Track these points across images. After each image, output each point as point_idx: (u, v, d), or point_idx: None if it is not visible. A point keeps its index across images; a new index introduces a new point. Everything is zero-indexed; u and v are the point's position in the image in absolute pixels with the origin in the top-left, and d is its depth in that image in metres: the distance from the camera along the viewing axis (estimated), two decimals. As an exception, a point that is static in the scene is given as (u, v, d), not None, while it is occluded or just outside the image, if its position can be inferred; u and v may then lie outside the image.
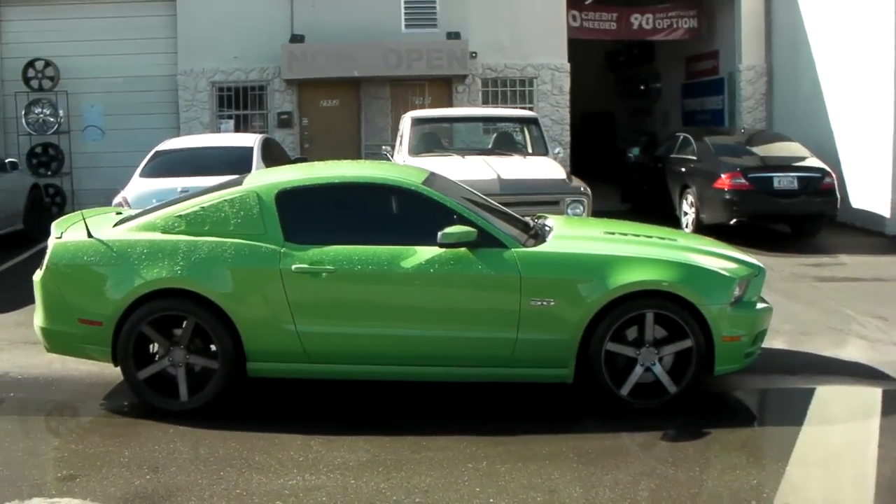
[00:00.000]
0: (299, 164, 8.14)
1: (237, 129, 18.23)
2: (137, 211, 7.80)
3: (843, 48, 16.73)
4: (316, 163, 8.14)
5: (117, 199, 11.48)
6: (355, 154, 18.37)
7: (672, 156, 16.55)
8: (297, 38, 18.00)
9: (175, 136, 16.34)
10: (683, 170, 15.80)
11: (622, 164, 19.32)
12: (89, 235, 6.88)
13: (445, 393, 7.15)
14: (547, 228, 7.47)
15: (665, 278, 6.70)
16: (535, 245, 6.93)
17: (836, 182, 14.69)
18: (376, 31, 18.27)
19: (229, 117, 18.53)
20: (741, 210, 14.32)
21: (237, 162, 12.09)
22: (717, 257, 7.20)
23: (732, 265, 7.10)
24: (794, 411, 7.20)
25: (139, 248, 6.77)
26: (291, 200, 6.90)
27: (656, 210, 16.44)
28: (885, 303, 10.44)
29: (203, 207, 6.91)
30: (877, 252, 14.07)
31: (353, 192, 7.10)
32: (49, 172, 18.03)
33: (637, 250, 7.00)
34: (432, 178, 7.39)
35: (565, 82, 19.18)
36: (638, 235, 7.52)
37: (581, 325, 6.65)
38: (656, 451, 6.16)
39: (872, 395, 7.41)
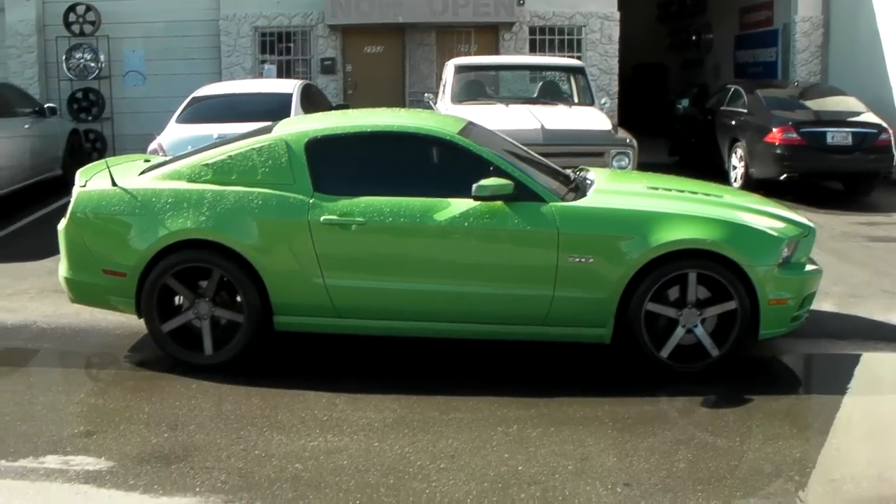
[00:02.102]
0: (332, 112, 7.89)
1: (279, 74, 17.96)
2: (164, 159, 7.60)
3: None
4: (350, 110, 7.88)
5: (153, 146, 11.32)
6: (399, 101, 18.07)
7: (722, 108, 16.07)
8: (340, -17, 17.65)
9: (217, 81, 16.12)
10: (734, 123, 15.32)
11: (671, 116, 18.84)
12: (113, 184, 6.70)
13: (477, 352, 6.92)
14: (588, 182, 7.17)
15: (709, 237, 6.38)
16: (574, 199, 6.64)
17: (892, 138, 14.15)
18: (420, -24, 17.84)
19: (272, 63, 18.26)
20: (792, 165, 13.84)
21: (276, 108, 11.82)
22: (765, 216, 6.86)
23: (781, 224, 6.76)
24: (841, 379, 6.88)
25: (164, 198, 6.56)
26: (322, 149, 6.65)
27: (704, 164, 16.02)
28: (942, 265, 10.04)
29: (230, 156, 6.68)
30: (934, 212, 13.59)
31: (385, 142, 6.83)
32: (90, 118, 17.91)
33: (681, 207, 6.67)
34: (469, 128, 7.09)
35: (614, 31, 18.65)
36: (682, 191, 7.18)
37: (621, 284, 6.36)
38: (696, 417, 5.89)
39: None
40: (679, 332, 6.48)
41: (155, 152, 11.04)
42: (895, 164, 14.26)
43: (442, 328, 6.59)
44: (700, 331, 6.49)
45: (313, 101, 13.02)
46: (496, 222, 6.39)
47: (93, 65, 17.87)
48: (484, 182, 6.34)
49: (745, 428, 5.70)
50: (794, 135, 13.80)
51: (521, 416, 5.74)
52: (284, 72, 18.20)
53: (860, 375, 7.05)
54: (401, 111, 8.26)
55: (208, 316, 6.58)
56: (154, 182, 6.75)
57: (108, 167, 6.83)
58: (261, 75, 17.91)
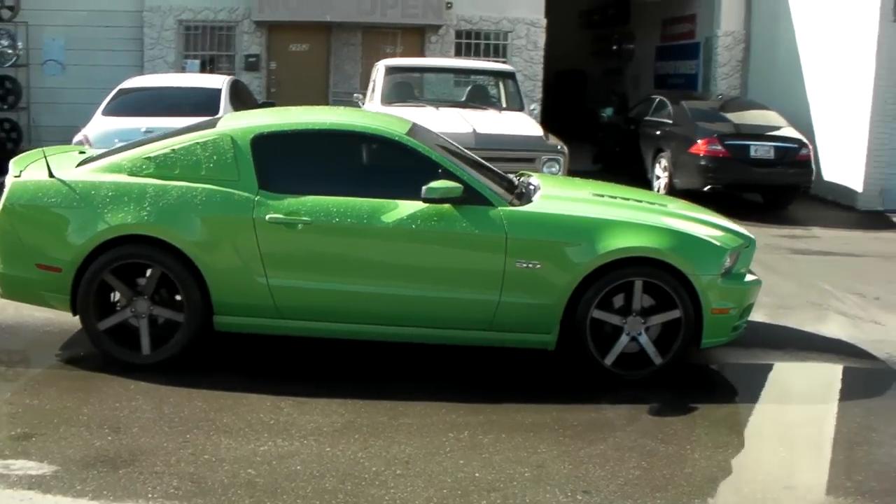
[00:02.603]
0: (275, 109, 7.73)
1: (203, 70, 17.60)
2: (102, 151, 7.35)
3: (823, 19, 16.50)
4: (292, 108, 7.73)
5: (78, 137, 11.05)
6: (322, 100, 17.90)
7: (647, 118, 16.30)
8: (269, -21, 17.40)
9: (139, 74, 15.80)
10: (658, 133, 15.54)
11: (595, 124, 19.02)
12: (51, 175, 6.44)
13: (421, 355, 6.84)
14: (532, 187, 7.15)
15: (657, 245, 6.43)
16: (521, 204, 6.61)
17: (812, 153, 14.53)
18: (349, -24, 17.69)
19: (195, 58, 17.90)
20: (716, 177, 14.11)
21: (204, 103, 11.69)
22: (709, 226, 6.94)
23: (724, 234, 6.85)
24: (779, 388, 7.03)
25: (104, 191, 6.34)
26: (268, 146, 6.50)
27: (628, 172, 16.19)
28: (861, 279, 10.33)
29: (173, 150, 6.49)
30: (849, 226, 13.98)
31: (333, 140, 6.72)
32: (5, 106, 17.25)
33: (628, 215, 6.70)
34: (415, 129, 7.01)
35: (540, 38, 18.81)
36: (627, 199, 7.22)
37: (567, 290, 6.36)
38: (642, 425, 5.89)
39: (857, 375, 7.20)
40: (623, 339, 6.51)
41: (81, 143, 10.75)
42: (814, 178, 14.64)
43: (386, 331, 6.50)
44: (644, 339, 6.52)
45: (241, 97, 12.86)
46: (444, 225, 6.33)
47: (10, 52, 17.21)
48: (434, 184, 6.27)
49: (694, 436, 5.75)
50: (719, 147, 14.06)
51: (471, 421, 5.69)
52: (208, 68, 17.84)
53: (797, 384, 7.19)
54: (344, 110, 8.15)
55: (146, 314, 6.37)
56: (93, 174, 6.52)
57: (45, 157, 6.57)
58: (183, 70, 17.54)
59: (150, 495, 4.54)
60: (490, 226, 6.35)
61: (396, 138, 6.63)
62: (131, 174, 6.44)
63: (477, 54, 18.60)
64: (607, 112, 17.93)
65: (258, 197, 6.31)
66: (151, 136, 6.98)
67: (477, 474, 4.96)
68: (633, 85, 24.07)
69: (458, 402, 5.99)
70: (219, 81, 12.62)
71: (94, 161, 6.75)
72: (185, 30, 18.00)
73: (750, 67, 19.24)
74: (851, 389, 7.01)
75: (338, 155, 6.72)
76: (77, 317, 6.44)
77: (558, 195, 7.09)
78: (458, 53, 18.57)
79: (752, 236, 7.13)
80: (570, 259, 6.37)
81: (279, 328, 6.51)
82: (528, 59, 18.66)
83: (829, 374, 7.35)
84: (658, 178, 15.28)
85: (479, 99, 13.59)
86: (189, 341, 6.38)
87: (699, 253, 6.57)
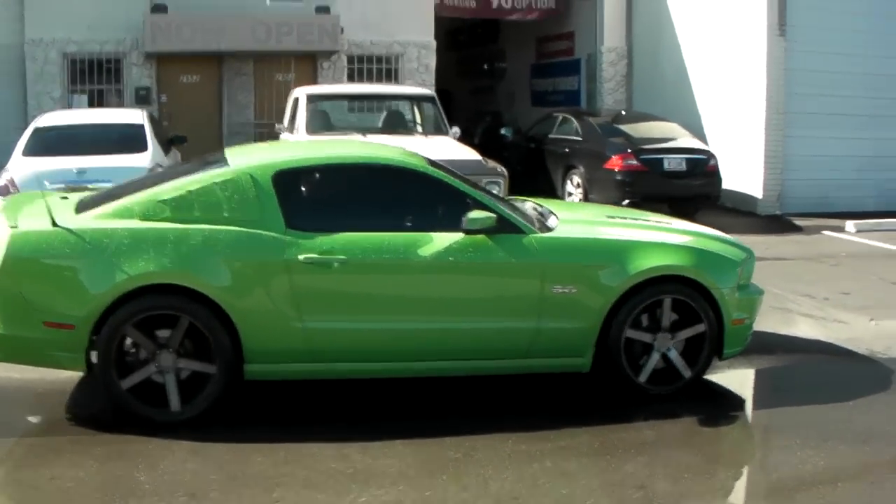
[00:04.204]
0: (283, 143, 7.41)
1: (91, 104, 16.83)
2: (93, 194, 6.86)
3: (709, 33, 17.11)
4: (301, 141, 7.45)
5: (2, 181, 10.36)
6: (216, 132, 17.47)
7: (551, 136, 16.47)
8: (159, 8, 16.71)
9: (22, 111, 15.06)
10: (567, 150, 15.75)
11: (500, 144, 19.13)
12: (54, 224, 5.96)
13: (440, 387, 6.66)
14: (540, 212, 7.09)
15: (684, 263, 6.54)
16: (546, 230, 6.55)
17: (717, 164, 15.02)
18: (239, 3, 17.22)
19: (82, 92, 17.08)
20: (633, 191, 14.40)
21: (127, 139, 11.36)
22: (716, 240, 7.08)
23: (731, 248, 7.01)
24: (808, 388, 7.13)
25: (118, 239, 5.89)
26: (290, 182, 6.22)
27: (533, 191, 16.25)
28: (799, 280, 10.75)
29: (190, 191, 6.11)
30: (760, 231, 14.46)
31: (357, 174, 6.51)
32: None
33: (651, 235, 6.77)
34: (430, 160, 6.86)
35: (431, 60, 18.90)
36: (637, 220, 7.29)
37: (602, 312, 6.35)
38: (700, 437, 5.96)
39: (856, 372, 7.44)
40: (655, 356, 6.55)
41: (6, 188, 10.13)
42: (722, 187, 15.14)
43: (425, 367, 6.33)
44: (674, 354, 6.59)
45: (158, 131, 12.43)
46: (481, 255, 6.21)
47: None
48: (472, 215, 6.16)
49: (754, 442, 6.03)
50: (635, 161, 14.38)
51: (544, 450, 5.57)
52: (96, 102, 17.06)
53: (811, 386, 7.27)
54: (356, 142, 7.94)
55: (173, 369, 5.96)
56: (101, 221, 6.05)
57: (46, 204, 6.08)
58: (70, 105, 16.70)
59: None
60: (526, 253, 6.28)
61: (422, 170, 6.48)
62: (145, 219, 6.03)
63: (370, 78, 18.48)
64: (509, 132, 18.00)
65: (287, 237, 6.02)
66: (156, 176, 6.56)
67: (590, 502, 4.87)
68: (508, 102, 24.33)
69: (518, 431, 5.86)
70: (137, 116, 12.18)
71: (96, 207, 6.28)
72: (70, 63, 17.14)
73: (634, 82, 19.75)
74: (862, 386, 7.06)
75: (362, 189, 6.50)
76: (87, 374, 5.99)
77: (577, 219, 7.10)
78: (350, 78, 18.42)
79: (750, 248, 7.29)
80: (603, 282, 6.36)
81: (314, 372, 6.24)
82: (420, 81, 18.64)
83: (830, 373, 7.55)
84: (570, 194, 15.47)
85: (398, 124, 13.47)
86: (220, 393, 6.01)
87: (718, 267, 6.70)
